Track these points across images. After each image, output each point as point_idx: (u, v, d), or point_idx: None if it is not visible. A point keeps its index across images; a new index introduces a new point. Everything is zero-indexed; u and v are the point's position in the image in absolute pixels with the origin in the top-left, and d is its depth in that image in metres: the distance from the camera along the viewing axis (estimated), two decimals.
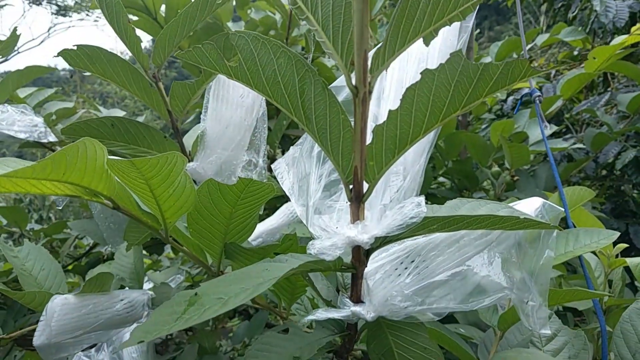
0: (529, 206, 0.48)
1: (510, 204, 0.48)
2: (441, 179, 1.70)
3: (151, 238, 1.23)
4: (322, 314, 0.45)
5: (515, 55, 2.05)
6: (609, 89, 2.19)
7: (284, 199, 0.91)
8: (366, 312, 0.44)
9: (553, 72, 2.48)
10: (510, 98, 2.02)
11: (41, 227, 1.47)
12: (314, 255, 0.39)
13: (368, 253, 0.44)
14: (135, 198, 0.51)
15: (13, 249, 0.86)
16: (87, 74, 0.81)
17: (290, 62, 0.37)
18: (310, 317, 0.45)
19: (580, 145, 1.49)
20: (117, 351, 0.90)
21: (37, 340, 0.74)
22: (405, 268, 0.45)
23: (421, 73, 0.35)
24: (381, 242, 0.43)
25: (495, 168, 1.43)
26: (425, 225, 0.41)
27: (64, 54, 0.75)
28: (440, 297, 0.44)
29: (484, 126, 1.91)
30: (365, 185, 0.40)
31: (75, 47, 0.75)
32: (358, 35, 0.34)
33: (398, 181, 0.43)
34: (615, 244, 0.81)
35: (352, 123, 0.37)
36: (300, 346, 0.47)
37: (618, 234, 0.74)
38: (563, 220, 0.82)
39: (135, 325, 0.85)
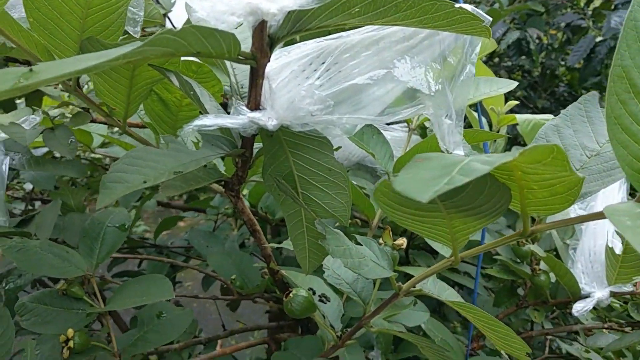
0: None
1: None
2: None
3: None
4: (210, 119, 0.36)
5: None
6: None
7: None
8: (267, 118, 0.36)
9: None
10: None
11: None
12: (199, 19, 0.29)
13: (272, 42, 0.35)
14: None
15: None
16: None
17: None
18: (196, 123, 0.36)
19: None
20: None
21: None
22: (315, 70, 0.37)
23: None
24: (289, 29, 0.34)
25: None
26: (346, 6, 0.33)
27: None
28: (356, 107, 0.38)
29: None
30: None
31: None
32: None
33: None
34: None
35: None
36: (184, 162, 0.38)
37: (516, 83, 0.74)
38: None
39: None
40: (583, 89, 2.04)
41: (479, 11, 0.42)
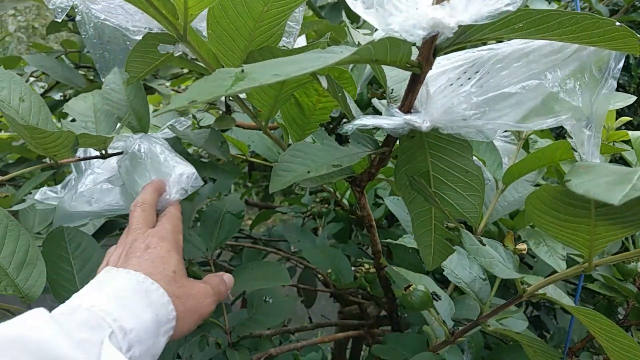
0: None
1: None
2: None
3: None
4: (370, 119, 0.40)
5: None
6: None
7: None
8: (422, 120, 0.39)
9: None
10: None
11: None
12: (392, 31, 0.32)
13: (435, 52, 0.38)
14: None
15: None
16: None
17: None
18: (358, 122, 0.40)
19: None
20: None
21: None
22: (469, 78, 0.40)
23: None
24: (452, 40, 0.37)
25: None
26: (511, 22, 0.35)
27: None
28: (502, 113, 0.40)
29: None
30: None
31: None
32: None
33: None
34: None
35: None
36: (339, 157, 0.42)
37: (634, 97, 0.73)
38: None
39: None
40: None
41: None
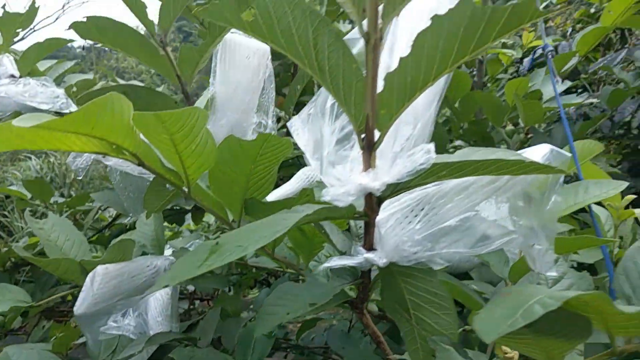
0: (537, 153, 0.49)
1: (519, 151, 0.49)
2: (458, 142, 1.70)
3: (171, 207, 1.26)
4: (336, 261, 0.47)
5: None
6: (626, 45, 2.13)
7: (301, 165, 0.93)
8: (378, 258, 0.46)
9: (570, 30, 2.43)
10: (526, 59, 1.99)
11: (65, 200, 1.51)
12: (328, 202, 0.40)
13: (380, 201, 0.45)
14: (158, 155, 0.52)
15: (38, 221, 0.90)
16: (102, 46, 0.82)
17: (305, 14, 0.38)
18: (326, 265, 0.47)
19: (595, 101, 1.48)
20: (143, 315, 0.93)
21: (78, 310, 0.77)
22: (415, 215, 0.47)
23: (431, 19, 0.36)
24: (392, 190, 0.45)
25: (510, 127, 1.42)
26: (434, 172, 0.42)
27: (75, 26, 0.77)
28: (449, 243, 0.46)
29: (500, 86, 1.89)
30: (377, 134, 0.41)
31: (85, 19, 0.77)
32: None
33: (409, 130, 0.44)
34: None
35: (364, 72, 0.38)
36: (316, 293, 0.49)
37: (627, 183, 0.75)
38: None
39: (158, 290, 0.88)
40: None
41: (559, 150, 0.49)
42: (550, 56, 0.85)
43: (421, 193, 0.48)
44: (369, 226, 0.46)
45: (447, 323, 0.50)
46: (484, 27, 0.36)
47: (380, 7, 0.36)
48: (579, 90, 2.02)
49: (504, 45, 1.88)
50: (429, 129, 0.46)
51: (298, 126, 0.53)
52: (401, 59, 0.37)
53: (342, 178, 0.42)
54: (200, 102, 0.92)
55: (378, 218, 0.46)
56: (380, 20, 0.35)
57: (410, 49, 0.37)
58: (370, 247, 0.48)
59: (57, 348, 0.83)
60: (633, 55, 1.71)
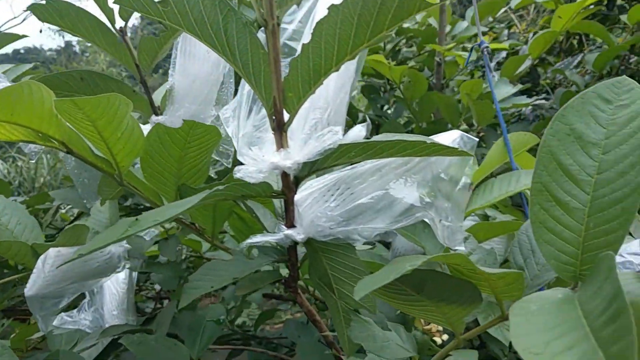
0: (448, 138, 0.53)
1: (431, 137, 0.53)
2: None
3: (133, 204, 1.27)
4: (258, 237, 0.50)
5: (491, 19, 2.08)
6: (583, 50, 2.22)
7: None
8: (296, 234, 0.49)
9: (531, 35, 2.51)
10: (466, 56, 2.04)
11: (24, 199, 1.50)
12: (239, 177, 0.43)
13: (297, 181, 0.48)
14: (87, 143, 0.55)
15: None
16: (61, 29, 0.83)
17: (214, 3, 0.41)
18: (248, 242, 0.50)
19: (543, 102, 1.54)
20: (99, 310, 0.95)
21: (28, 291, 0.78)
22: (332, 195, 0.50)
23: (327, 8, 0.39)
24: (308, 170, 0.48)
25: (464, 126, 1.47)
26: (344, 152, 0.46)
27: (33, 8, 0.78)
28: (367, 220, 0.49)
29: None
30: (287, 116, 0.44)
31: (44, 2, 0.78)
32: None
33: (320, 114, 0.47)
34: None
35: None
36: (242, 269, 0.52)
37: None
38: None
39: (112, 275, 0.90)
40: None
41: (469, 136, 0.53)
42: (486, 53, 0.89)
43: (338, 175, 0.51)
44: (288, 204, 0.49)
45: (367, 296, 0.54)
46: (376, 16, 0.39)
47: None
48: (543, 95, 2.10)
49: (464, 49, 1.94)
50: (342, 113, 0.49)
51: (229, 114, 0.56)
52: (303, 45, 0.40)
53: (257, 158, 0.45)
54: (160, 93, 0.93)
55: (297, 197, 0.49)
56: (276, 8, 0.38)
57: (311, 36, 0.40)
58: (290, 225, 0.51)
59: (16, 344, 0.84)
60: (585, 59, 1.79)
